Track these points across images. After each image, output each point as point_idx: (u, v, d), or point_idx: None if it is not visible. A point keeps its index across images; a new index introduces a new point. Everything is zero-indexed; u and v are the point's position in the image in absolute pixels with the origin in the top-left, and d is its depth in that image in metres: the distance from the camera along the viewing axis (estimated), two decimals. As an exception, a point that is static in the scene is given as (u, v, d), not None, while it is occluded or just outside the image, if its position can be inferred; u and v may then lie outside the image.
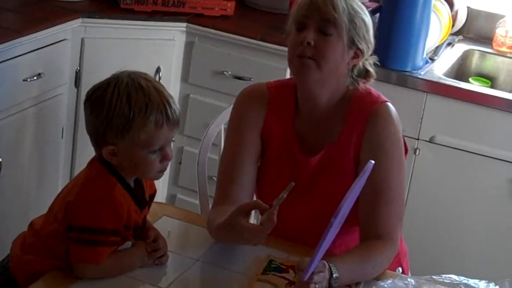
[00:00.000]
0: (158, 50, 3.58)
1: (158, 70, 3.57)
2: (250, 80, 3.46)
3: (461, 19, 3.78)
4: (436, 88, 3.32)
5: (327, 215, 1.86)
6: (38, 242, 2.01)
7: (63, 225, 1.95)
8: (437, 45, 3.60)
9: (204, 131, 2.71)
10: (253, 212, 2.17)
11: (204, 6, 3.62)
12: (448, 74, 3.46)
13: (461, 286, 2.10)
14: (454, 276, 2.13)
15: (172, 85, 3.60)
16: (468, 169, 3.34)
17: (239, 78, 3.53)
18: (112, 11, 3.52)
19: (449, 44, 3.71)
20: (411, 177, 3.37)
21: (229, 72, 3.56)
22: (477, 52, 3.73)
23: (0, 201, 3.18)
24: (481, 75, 3.68)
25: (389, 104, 2.23)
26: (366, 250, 2.11)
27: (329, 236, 1.86)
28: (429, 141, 3.35)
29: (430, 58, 3.49)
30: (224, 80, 3.57)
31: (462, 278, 2.13)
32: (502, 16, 3.72)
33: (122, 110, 1.90)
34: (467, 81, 3.57)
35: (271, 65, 3.45)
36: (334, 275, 1.96)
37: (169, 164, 2.03)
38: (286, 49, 2.21)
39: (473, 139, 3.30)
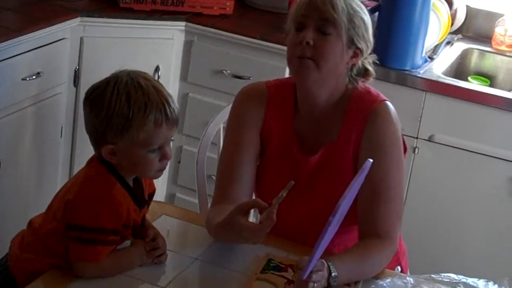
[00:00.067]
0: (157, 49, 3.58)
1: (157, 69, 3.57)
2: (249, 79, 3.46)
3: (460, 17, 3.78)
4: (435, 87, 3.32)
5: (326, 214, 1.86)
6: (37, 241, 2.02)
7: (62, 223, 1.95)
8: (436, 43, 3.60)
9: (203, 130, 2.71)
10: (252, 211, 2.17)
11: (203, 5, 3.62)
12: (447, 73, 3.47)
13: (460, 285, 2.10)
14: (453, 275, 2.14)
15: (171, 84, 3.60)
16: (467, 168, 3.34)
17: (238, 77, 3.53)
18: (111, 10, 3.52)
19: (448, 43, 3.71)
20: (410, 176, 3.37)
21: (228, 71, 3.56)
22: (476, 50, 3.73)
23: (-1, 200, 3.19)
24: (480, 74, 3.68)
25: (388, 103, 2.23)
26: (365, 249, 2.11)
27: (327, 235, 1.86)
28: (428, 140, 3.35)
29: (429, 57, 3.49)
30: (223, 79, 3.57)
31: (461, 277, 2.13)
32: (501, 15, 3.72)
33: (121, 109, 1.90)
34: (466, 80, 3.57)
35: (270, 64, 3.45)
36: (333, 274, 1.96)
37: (168, 163, 2.03)
38: (285, 48, 2.21)
39: (472, 138, 3.30)
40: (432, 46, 3.58)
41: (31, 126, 3.27)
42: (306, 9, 2.15)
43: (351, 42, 2.16)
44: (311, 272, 1.89)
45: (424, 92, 3.32)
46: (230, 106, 2.37)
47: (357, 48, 2.17)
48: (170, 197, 3.79)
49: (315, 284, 1.92)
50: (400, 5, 3.30)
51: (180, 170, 3.75)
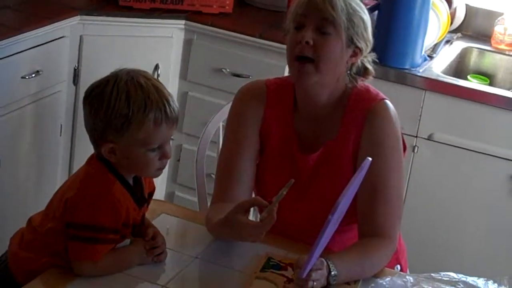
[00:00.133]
0: (156, 48, 3.58)
1: (156, 68, 3.57)
2: (249, 77, 3.46)
3: (460, 16, 3.78)
4: (434, 86, 3.32)
5: (325, 212, 1.86)
6: (36, 240, 2.01)
7: (61, 222, 1.95)
8: (435, 42, 3.60)
9: (203, 129, 2.71)
10: (251, 209, 2.17)
11: (203, 4, 3.62)
12: (446, 72, 3.47)
13: (460, 283, 2.10)
14: (452, 274, 2.14)
15: (170, 83, 3.60)
16: (466, 166, 3.34)
17: (238, 75, 3.53)
18: (110, 9, 3.52)
19: (447, 41, 3.71)
20: (409, 175, 3.37)
21: (228, 70, 3.56)
22: (476, 49, 3.73)
23: (-1, 198, 3.19)
24: (479, 73, 3.69)
25: (388, 101, 2.23)
26: (364, 248, 2.11)
27: (327, 233, 1.86)
28: (428, 139, 3.35)
29: (428, 56, 3.49)
30: (222, 77, 3.57)
31: (460, 275, 2.13)
32: (501, 14, 3.72)
33: (121, 108, 1.90)
34: (466, 79, 3.57)
35: (270, 62, 3.45)
36: (332, 273, 1.97)
37: (168, 161, 2.03)
38: (284, 46, 2.21)
39: (472, 136, 3.30)
40: (432, 45, 3.58)
41: (30, 124, 3.27)
42: (305, 8, 2.14)
43: (351, 42, 2.15)
44: (310, 270, 1.90)
45: (424, 91, 3.32)
46: (229, 104, 2.37)
47: (357, 47, 2.17)
48: (170, 196, 3.79)
49: (315, 283, 1.92)
50: (399, 4, 3.30)
51: (179, 168, 3.75)
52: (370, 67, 2.25)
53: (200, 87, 3.64)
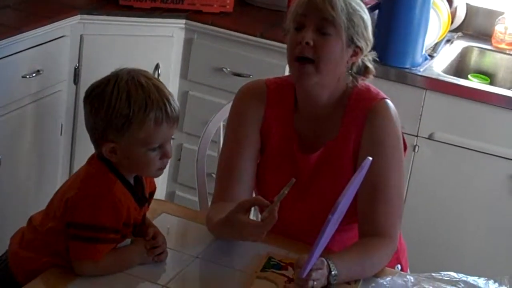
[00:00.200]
0: (157, 47, 3.58)
1: (157, 67, 3.57)
2: (249, 77, 3.46)
3: (460, 15, 3.78)
4: (435, 85, 3.32)
5: (326, 212, 1.86)
6: (36, 239, 2.01)
7: (62, 222, 1.95)
8: (436, 42, 3.60)
9: (203, 128, 2.71)
10: (252, 209, 2.17)
11: (203, 3, 3.62)
12: (447, 71, 3.46)
13: (461, 283, 2.10)
14: (453, 274, 2.14)
15: (171, 82, 3.60)
16: (467, 166, 3.34)
17: (238, 75, 3.52)
18: (111, 8, 3.52)
19: (448, 41, 3.71)
20: (410, 174, 3.37)
21: (228, 69, 3.56)
22: (476, 49, 3.73)
23: (-1, 198, 3.19)
24: (480, 72, 3.68)
25: (388, 101, 2.22)
26: (365, 248, 2.11)
27: (327, 233, 1.86)
28: (428, 138, 3.35)
29: (429, 55, 3.49)
30: (223, 77, 3.57)
31: (461, 275, 2.13)
32: (501, 13, 3.72)
33: (121, 108, 1.90)
34: (466, 78, 3.57)
35: (270, 62, 3.45)
36: (333, 272, 1.96)
37: (169, 161, 2.03)
38: (285, 46, 2.21)
39: (472, 136, 3.30)
40: (432, 44, 3.58)
41: (31, 123, 3.27)
42: (305, 9, 2.14)
43: (351, 41, 2.15)
44: (311, 270, 1.89)
45: (424, 90, 3.32)
46: (230, 104, 2.36)
47: (357, 47, 2.17)
48: (170, 195, 3.79)
49: (315, 282, 1.92)
50: (400, 3, 3.30)
51: (180, 168, 3.75)
52: (370, 65, 2.25)
53: (201, 87, 3.64)
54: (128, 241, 2.02)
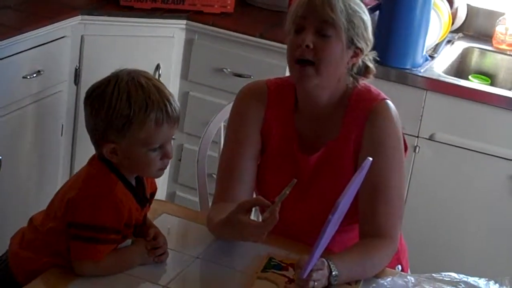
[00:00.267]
0: (157, 47, 3.58)
1: (157, 68, 3.57)
2: (250, 77, 3.46)
3: (461, 16, 3.78)
4: (436, 86, 3.32)
5: (326, 213, 1.85)
6: (37, 239, 2.01)
7: (62, 222, 1.95)
8: (437, 42, 3.60)
9: (204, 129, 2.71)
10: (253, 209, 2.17)
11: (204, 3, 3.62)
12: (448, 72, 3.46)
13: (461, 284, 2.10)
14: (454, 274, 2.14)
15: (171, 83, 3.60)
16: (468, 166, 3.34)
17: (239, 75, 3.52)
18: (111, 8, 3.52)
19: (448, 41, 3.71)
20: (410, 175, 3.37)
21: (229, 70, 3.56)
22: (477, 49, 3.73)
23: (0, 198, 3.18)
24: (480, 73, 3.68)
25: (389, 101, 2.22)
26: (365, 248, 2.11)
27: (327, 233, 1.86)
28: (429, 139, 3.35)
29: (429, 56, 3.49)
30: (223, 77, 3.57)
31: (462, 276, 2.13)
32: (502, 14, 3.72)
33: (122, 108, 1.90)
34: (467, 79, 3.57)
35: (271, 62, 3.45)
36: (333, 273, 1.96)
37: (169, 161, 2.03)
38: (285, 46, 2.21)
39: (473, 136, 3.30)
40: (433, 45, 3.58)
41: (31, 124, 3.27)
42: (304, 11, 2.14)
43: (351, 42, 2.15)
44: (311, 271, 1.89)
45: (425, 91, 3.32)
46: (230, 104, 2.36)
47: (357, 48, 2.17)
48: (171, 196, 3.79)
49: (316, 283, 1.92)
50: (400, 4, 3.30)
51: (180, 168, 3.75)
52: (371, 65, 2.25)
53: (201, 87, 3.64)
54: (129, 241, 2.02)
